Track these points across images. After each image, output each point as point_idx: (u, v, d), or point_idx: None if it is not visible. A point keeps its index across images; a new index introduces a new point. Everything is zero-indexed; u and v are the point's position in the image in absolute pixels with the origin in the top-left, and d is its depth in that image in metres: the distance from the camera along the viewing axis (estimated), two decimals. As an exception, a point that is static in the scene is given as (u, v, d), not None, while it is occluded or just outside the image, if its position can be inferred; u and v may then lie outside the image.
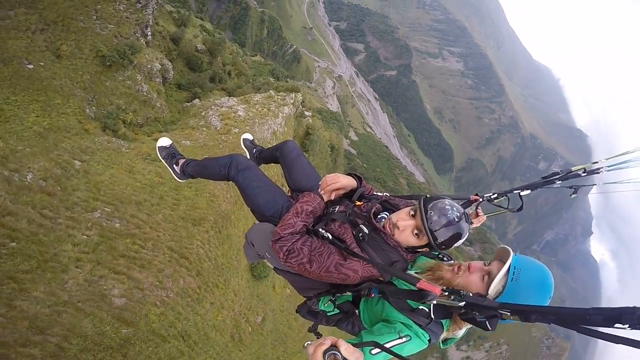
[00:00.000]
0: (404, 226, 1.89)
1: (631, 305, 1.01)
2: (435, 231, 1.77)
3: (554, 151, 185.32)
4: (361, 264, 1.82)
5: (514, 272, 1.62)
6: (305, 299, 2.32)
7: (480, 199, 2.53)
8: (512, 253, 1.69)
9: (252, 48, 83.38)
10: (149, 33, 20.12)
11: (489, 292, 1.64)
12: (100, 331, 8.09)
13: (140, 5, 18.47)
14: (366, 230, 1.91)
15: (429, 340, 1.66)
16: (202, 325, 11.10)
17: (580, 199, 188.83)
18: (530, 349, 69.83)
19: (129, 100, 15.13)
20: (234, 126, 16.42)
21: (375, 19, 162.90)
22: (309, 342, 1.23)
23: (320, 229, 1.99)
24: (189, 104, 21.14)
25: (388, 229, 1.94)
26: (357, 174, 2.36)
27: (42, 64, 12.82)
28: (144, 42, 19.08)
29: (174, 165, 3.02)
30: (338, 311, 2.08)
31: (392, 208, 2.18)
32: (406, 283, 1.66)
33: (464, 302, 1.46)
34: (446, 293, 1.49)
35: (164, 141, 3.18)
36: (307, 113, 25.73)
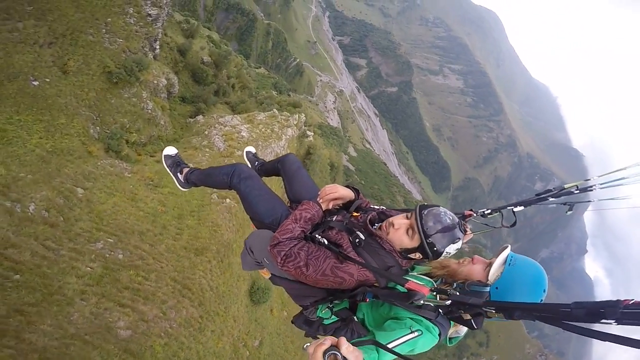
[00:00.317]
0: (399, 224, 1.93)
1: (614, 299, 1.01)
2: (430, 235, 1.80)
3: (550, 171, 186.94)
4: (357, 268, 1.85)
5: (511, 259, 1.77)
6: (301, 308, 2.30)
7: (474, 214, 2.54)
8: (510, 247, 1.85)
9: (257, 60, 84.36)
10: (157, 46, 20.00)
11: (489, 277, 1.77)
12: (109, 363, 8.10)
13: (150, 18, 18.30)
14: (362, 236, 1.94)
15: (439, 335, 1.72)
16: (203, 353, 11.17)
17: (575, 217, 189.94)
18: (524, 366, 68.87)
19: (133, 118, 14.97)
20: (237, 148, 16.31)
21: (379, 34, 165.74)
22: (309, 343, 1.23)
23: (317, 235, 2.02)
24: (192, 119, 21.01)
25: (384, 228, 1.99)
26: (355, 186, 2.44)
27: (47, 80, 12.64)
28: (152, 56, 18.96)
29: (178, 174, 3.09)
30: (336, 319, 2.09)
31: (387, 219, 2.22)
32: (397, 285, 1.73)
33: (449, 301, 1.54)
34: (434, 293, 1.57)
35: (170, 150, 3.28)
36: (309, 133, 25.73)
